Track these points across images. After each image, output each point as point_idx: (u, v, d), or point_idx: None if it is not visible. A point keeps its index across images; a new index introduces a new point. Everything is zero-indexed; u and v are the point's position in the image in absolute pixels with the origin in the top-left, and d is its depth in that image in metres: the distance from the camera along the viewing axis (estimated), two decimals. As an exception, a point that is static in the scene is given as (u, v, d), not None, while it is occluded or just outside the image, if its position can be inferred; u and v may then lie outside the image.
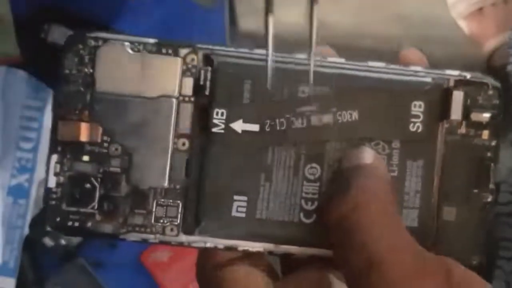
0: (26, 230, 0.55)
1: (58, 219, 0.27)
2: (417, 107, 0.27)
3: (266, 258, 0.26)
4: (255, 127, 0.26)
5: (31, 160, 0.54)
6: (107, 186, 0.26)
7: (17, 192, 0.55)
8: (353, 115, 0.26)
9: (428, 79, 0.27)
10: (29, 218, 0.54)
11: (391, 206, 0.24)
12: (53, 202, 0.27)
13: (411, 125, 0.27)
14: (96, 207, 0.26)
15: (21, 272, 0.56)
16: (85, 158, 0.26)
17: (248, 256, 0.26)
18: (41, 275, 0.59)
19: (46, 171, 0.28)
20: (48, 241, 0.58)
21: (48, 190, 0.27)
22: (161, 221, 0.26)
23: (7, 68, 0.55)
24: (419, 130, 0.27)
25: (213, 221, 0.26)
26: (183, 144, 0.26)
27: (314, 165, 0.26)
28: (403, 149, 0.27)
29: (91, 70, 0.26)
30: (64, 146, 0.26)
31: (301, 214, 0.26)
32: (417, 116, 0.27)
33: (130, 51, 0.26)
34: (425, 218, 0.27)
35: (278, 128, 0.26)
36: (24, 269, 0.57)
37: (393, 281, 0.21)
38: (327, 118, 0.26)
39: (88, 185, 0.26)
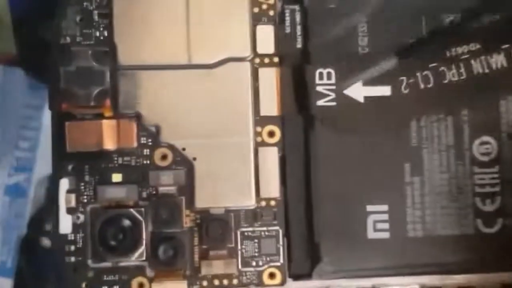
0: (24, 230, 0.53)
1: (84, 285, 0.17)
2: None
3: None
4: (385, 90, 0.18)
5: (30, 160, 0.55)
6: (158, 219, 0.17)
7: (15, 192, 0.59)
8: None
9: None
10: (27, 218, 0.53)
11: None
12: (72, 258, 0.17)
13: None
14: (144, 255, 0.17)
15: (19, 272, 0.49)
16: (116, 177, 0.18)
17: None
18: (40, 275, 0.56)
19: (54, 207, 0.17)
20: (45, 242, 0.57)
21: (60, 239, 0.17)
22: (253, 263, 0.18)
23: (4, 67, 0.52)
24: None
25: (339, 252, 0.18)
26: (271, 134, 0.18)
27: (486, 138, 0.19)
28: None
29: (105, 32, 0.18)
30: (79, 162, 0.18)
31: (478, 221, 0.18)
32: None
33: None
34: None
35: (421, 86, 0.18)
36: (23, 269, 0.50)
37: None
38: (498, 60, 0.18)
39: (126, 222, 0.17)
